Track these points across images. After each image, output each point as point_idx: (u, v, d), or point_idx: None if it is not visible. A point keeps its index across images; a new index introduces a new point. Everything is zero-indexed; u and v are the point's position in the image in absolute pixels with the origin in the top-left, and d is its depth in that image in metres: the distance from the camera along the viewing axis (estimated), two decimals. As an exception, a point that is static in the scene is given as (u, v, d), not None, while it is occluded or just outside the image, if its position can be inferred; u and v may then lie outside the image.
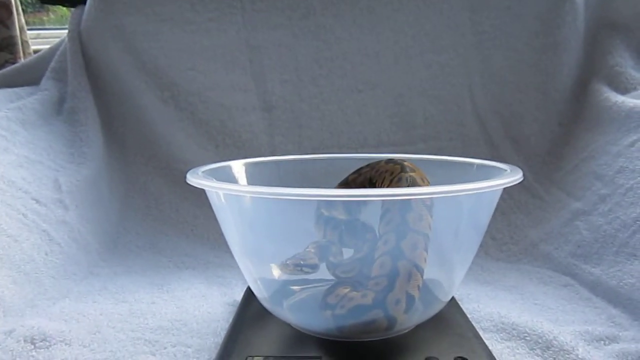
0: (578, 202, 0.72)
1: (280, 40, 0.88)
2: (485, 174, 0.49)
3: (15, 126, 0.74)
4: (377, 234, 0.43)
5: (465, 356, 0.41)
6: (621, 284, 0.58)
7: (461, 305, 0.52)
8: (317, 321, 0.44)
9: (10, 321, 0.51)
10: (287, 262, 0.41)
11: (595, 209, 0.68)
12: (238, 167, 0.56)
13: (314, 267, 0.42)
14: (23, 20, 1.11)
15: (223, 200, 0.45)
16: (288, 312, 0.48)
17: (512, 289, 0.64)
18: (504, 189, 0.42)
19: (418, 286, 0.41)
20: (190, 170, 0.47)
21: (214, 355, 0.45)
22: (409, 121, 0.87)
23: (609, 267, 0.61)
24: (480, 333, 0.46)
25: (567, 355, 0.45)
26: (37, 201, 0.67)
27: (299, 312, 0.48)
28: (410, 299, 0.40)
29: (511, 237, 0.77)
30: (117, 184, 0.84)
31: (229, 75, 0.88)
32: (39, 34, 1.25)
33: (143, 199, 0.85)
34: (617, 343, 0.48)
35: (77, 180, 0.74)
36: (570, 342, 0.46)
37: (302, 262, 0.41)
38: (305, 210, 0.48)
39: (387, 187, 0.46)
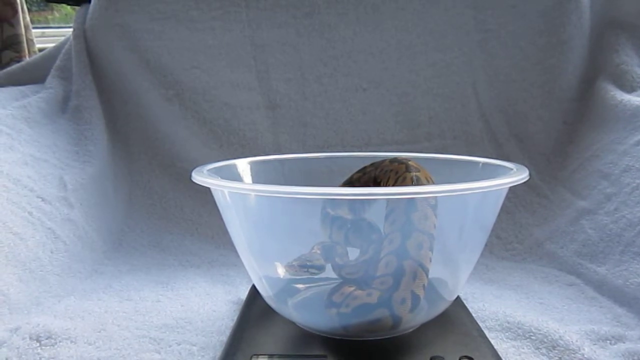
0: (583, 201, 0.72)
1: (285, 38, 0.88)
2: (490, 172, 0.49)
3: (21, 124, 0.75)
4: (383, 234, 0.43)
5: (470, 355, 0.41)
6: (627, 283, 0.57)
7: (466, 305, 0.52)
8: (322, 320, 0.44)
9: (16, 319, 0.51)
10: (293, 263, 0.41)
11: (601, 208, 0.68)
12: (243, 165, 0.56)
13: (320, 268, 0.42)
14: (28, 19, 1.11)
15: (228, 198, 0.45)
16: (293, 310, 0.48)
17: (517, 288, 0.63)
18: (509, 187, 0.42)
19: (423, 285, 0.41)
20: (196, 169, 0.47)
21: (219, 353, 0.45)
22: (413, 119, 0.87)
23: (614, 266, 0.61)
24: (486, 332, 0.46)
25: (572, 355, 0.45)
26: (43, 199, 0.67)
27: (304, 310, 0.48)
28: (415, 298, 0.40)
29: (516, 236, 0.77)
30: (122, 182, 0.85)
31: (233, 74, 0.88)
32: (43, 33, 1.25)
33: (147, 197, 0.85)
34: (623, 342, 0.48)
35: (82, 179, 0.75)
36: (576, 341, 0.46)
37: (308, 263, 0.41)
38: (310, 208, 0.48)
39: (392, 186, 0.46)
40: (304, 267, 0.41)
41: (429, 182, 0.46)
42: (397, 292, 0.40)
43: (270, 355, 0.41)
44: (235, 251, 0.48)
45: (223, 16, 0.88)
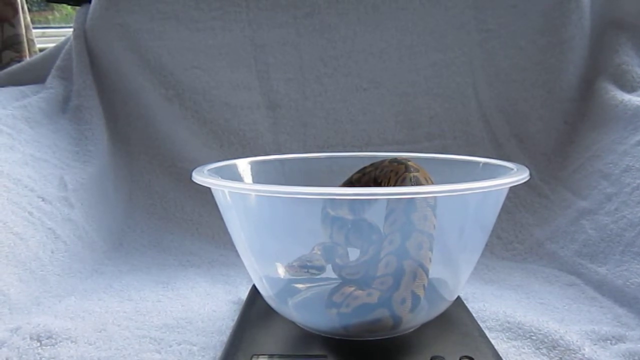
0: (584, 201, 0.72)
1: (285, 38, 0.88)
2: (491, 172, 0.49)
3: (21, 124, 0.75)
4: (383, 234, 0.43)
5: (470, 355, 0.41)
6: (627, 283, 0.57)
7: (467, 305, 0.52)
8: (322, 320, 0.44)
9: (17, 319, 0.51)
10: (294, 264, 0.41)
11: (602, 208, 0.68)
12: (243, 165, 0.56)
13: (320, 269, 0.42)
14: (28, 19, 1.11)
15: (228, 198, 0.45)
16: (293, 310, 0.48)
17: (517, 288, 0.63)
18: (510, 187, 0.42)
19: (423, 285, 0.41)
20: (196, 169, 0.47)
21: (219, 353, 0.45)
22: (413, 119, 0.87)
23: (615, 266, 0.61)
24: (486, 332, 0.46)
25: (573, 355, 0.45)
26: (43, 199, 0.67)
27: (304, 310, 0.48)
28: (415, 298, 0.40)
29: (517, 236, 0.77)
30: (122, 182, 0.85)
31: (233, 74, 0.88)
32: (44, 33, 1.26)
33: (148, 197, 0.85)
34: (624, 343, 0.48)
35: (82, 179, 0.75)
36: (577, 341, 0.46)
37: (308, 264, 0.41)
38: (311, 208, 0.48)
39: (392, 187, 0.46)
40: (305, 268, 0.41)
41: (428, 182, 0.46)
42: (397, 292, 0.40)
43: (271, 355, 0.41)
44: (236, 251, 0.48)
45: (223, 16, 0.88)
